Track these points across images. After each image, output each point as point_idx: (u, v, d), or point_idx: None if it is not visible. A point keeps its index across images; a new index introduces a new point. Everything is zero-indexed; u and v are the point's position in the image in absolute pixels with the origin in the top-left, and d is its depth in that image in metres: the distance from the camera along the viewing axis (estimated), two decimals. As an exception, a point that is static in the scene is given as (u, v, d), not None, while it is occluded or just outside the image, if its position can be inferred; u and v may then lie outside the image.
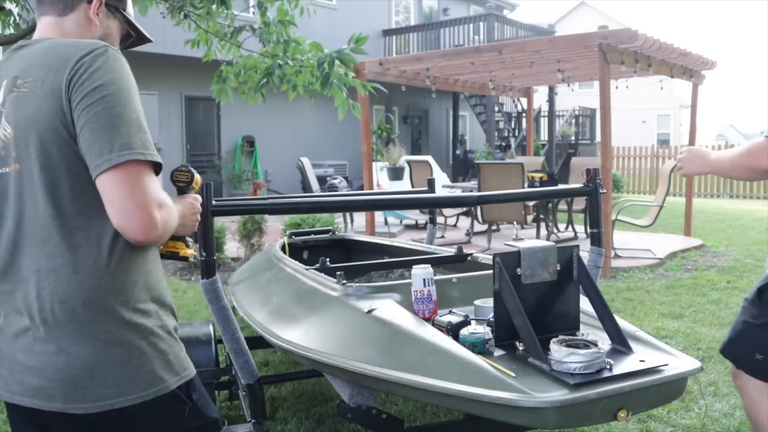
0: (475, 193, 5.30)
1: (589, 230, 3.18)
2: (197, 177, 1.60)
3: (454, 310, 1.99)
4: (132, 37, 1.60)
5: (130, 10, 1.58)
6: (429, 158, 11.03)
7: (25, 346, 1.31)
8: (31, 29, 4.52)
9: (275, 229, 7.35)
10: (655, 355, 1.73)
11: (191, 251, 1.61)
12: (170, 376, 1.37)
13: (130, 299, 1.33)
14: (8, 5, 4.84)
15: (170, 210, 1.34)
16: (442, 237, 8.87)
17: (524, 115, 16.59)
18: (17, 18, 5.05)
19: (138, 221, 1.24)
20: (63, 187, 1.28)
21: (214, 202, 2.18)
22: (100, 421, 1.32)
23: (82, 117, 1.25)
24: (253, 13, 4.59)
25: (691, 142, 9.10)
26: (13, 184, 1.32)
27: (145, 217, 1.24)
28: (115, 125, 1.25)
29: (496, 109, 17.32)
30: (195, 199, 1.56)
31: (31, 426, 1.38)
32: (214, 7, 4.62)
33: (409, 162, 9.79)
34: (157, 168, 1.33)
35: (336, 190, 9.48)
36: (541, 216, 8.37)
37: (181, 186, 1.57)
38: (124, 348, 1.31)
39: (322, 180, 11.64)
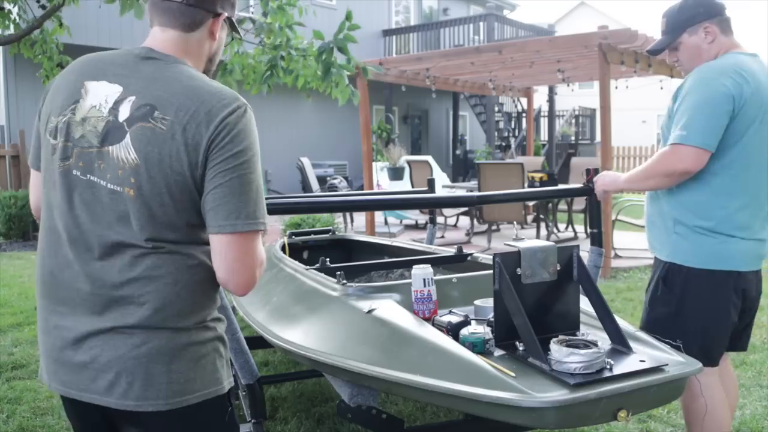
0: (475, 193, 5.30)
1: (589, 230, 3.19)
2: None
3: (454, 310, 1.99)
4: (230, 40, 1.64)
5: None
6: (429, 158, 11.02)
7: (104, 342, 1.36)
8: (31, 29, 4.52)
9: (275, 229, 7.35)
10: (655, 355, 1.73)
11: None
12: (225, 379, 1.46)
13: (206, 312, 1.43)
14: (6, 6, 4.84)
15: (265, 263, 1.45)
16: (442, 237, 8.87)
17: (524, 115, 16.62)
18: (17, 18, 5.05)
19: (243, 279, 1.36)
20: (167, 224, 1.35)
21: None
22: (163, 417, 1.37)
23: (217, 178, 1.31)
24: (252, 12, 4.58)
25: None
26: (117, 202, 1.34)
27: (249, 277, 1.37)
28: (246, 192, 1.33)
29: (496, 109, 17.33)
30: None
31: (95, 425, 1.45)
32: None
33: (409, 162, 9.79)
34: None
35: (336, 190, 9.48)
36: (541, 216, 8.38)
37: None
38: (195, 348, 1.39)
39: (322, 180, 11.64)
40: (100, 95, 1.36)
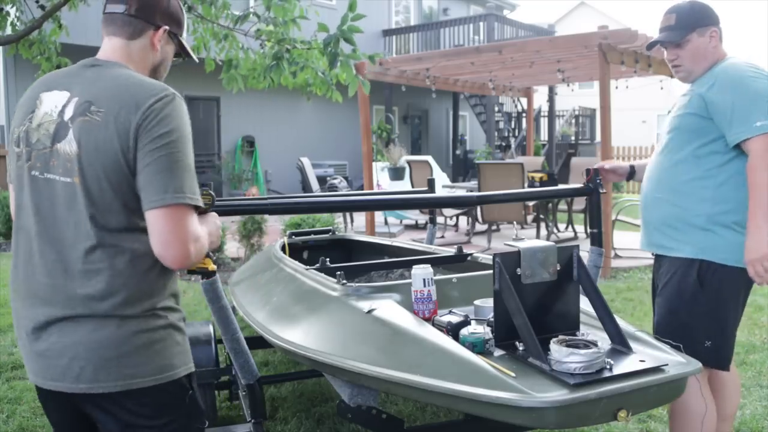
0: (475, 193, 5.30)
1: (589, 230, 3.18)
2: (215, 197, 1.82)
3: (454, 310, 1.99)
4: (179, 58, 1.77)
5: (185, 34, 1.75)
6: (429, 158, 11.02)
7: (57, 333, 1.49)
8: (30, 30, 4.52)
9: (275, 229, 7.35)
10: (655, 355, 1.73)
11: (214, 265, 1.83)
12: (180, 365, 1.56)
13: (158, 299, 1.54)
14: (4, 7, 4.84)
15: (203, 241, 1.54)
16: (442, 237, 8.87)
17: (524, 115, 16.61)
18: (15, 20, 5.05)
19: (176, 252, 1.46)
20: (109, 208, 1.48)
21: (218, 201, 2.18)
22: (119, 399, 1.50)
23: (146, 158, 1.44)
24: (253, 13, 4.58)
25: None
26: (68, 193, 1.49)
27: (182, 250, 1.46)
28: (173, 169, 1.45)
29: (496, 109, 17.32)
30: (215, 217, 1.76)
31: (63, 407, 1.58)
32: (213, 9, 4.62)
33: (409, 162, 9.79)
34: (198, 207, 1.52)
35: (336, 190, 9.48)
36: (541, 216, 8.37)
37: (205, 207, 1.73)
38: (147, 335, 1.50)
39: (322, 180, 11.63)
40: (51, 102, 1.53)
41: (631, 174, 2.70)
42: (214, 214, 1.75)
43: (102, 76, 1.54)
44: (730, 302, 2.26)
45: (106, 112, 1.46)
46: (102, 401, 1.50)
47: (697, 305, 2.25)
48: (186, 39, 1.75)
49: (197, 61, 1.81)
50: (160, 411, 1.54)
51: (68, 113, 1.49)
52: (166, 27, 1.64)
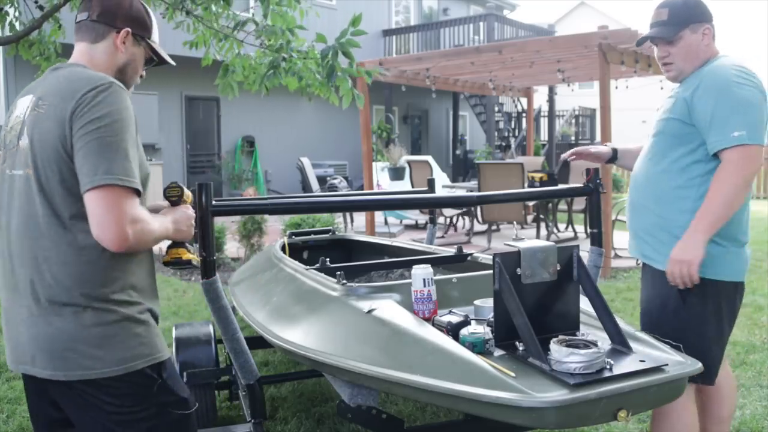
0: (475, 193, 5.29)
1: (589, 230, 3.18)
2: (187, 192, 1.86)
3: (454, 310, 1.99)
4: (155, 60, 1.85)
5: (155, 38, 1.82)
6: (429, 158, 11.02)
7: (25, 321, 1.59)
8: (30, 30, 4.52)
9: (275, 229, 7.35)
10: (655, 355, 1.73)
11: (193, 255, 1.86)
12: (141, 357, 1.61)
13: (111, 291, 1.59)
14: (4, 8, 4.84)
15: (147, 225, 1.58)
16: (442, 237, 8.87)
17: (524, 115, 16.62)
18: (14, 20, 5.05)
19: (112, 234, 1.50)
20: (56, 195, 1.56)
21: (214, 202, 2.18)
22: (80, 388, 1.57)
23: (79, 142, 1.51)
24: (253, 14, 4.58)
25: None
26: (25, 185, 1.59)
27: (118, 231, 1.50)
28: (103, 152, 1.51)
29: (496, 109, 17.32)
30: (187, 208, 1.83)
31: (36, 393, 1.69)
32: (213, 7, 4.62)
33: (409, 162, 9.79)
34: (138, 191, 1.56)
35: (336, 190, 9.48)
36: (541, 216, 8.37)
37: (173, 200, 1.83)
38: (102, 328, 1.57)
39: (322, 180, 11.63)
40: (22, 106, 1.65)
41: (614, 158, 2.66)
42: (185, 205, 1.83)
43: (57, 76, 1.65)
44: (713, 317, 2.19)
45: (49, 105, 1.57)
46: (65, 389, 1.59)
47: (680, 320, 2.20)
48: (156, 42, 1.82)
49: (173, 63, 1.88)
50: (125, 401, 1.60)
51: (27, 113, 1.62)
52: (128, 29, 1.73)
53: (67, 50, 5.35)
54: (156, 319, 1.73)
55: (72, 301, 1.55)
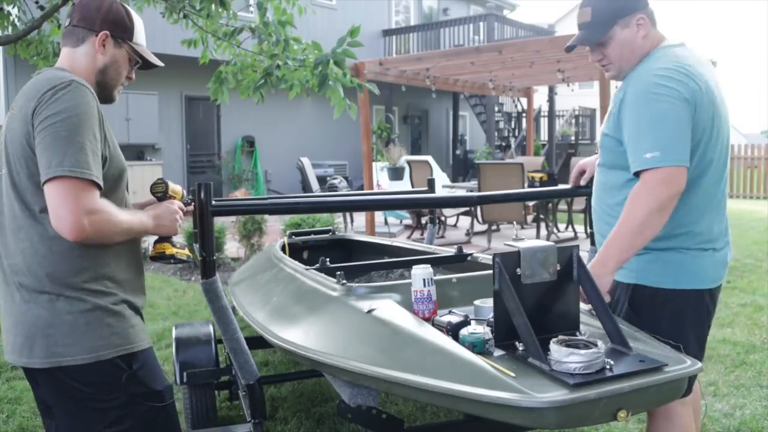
0: (475, 193, 5.29)
1: (589, 230, 3.18)
2: (174, 187, 1.92)
3: (453, 310, 1.99)
4: (140, 62, 1.88)
5: (139, 40, 1.86)
6: (429, 158, 11.02)
7: (9, 311, 1.70)
8: (30, 29, 4.53)
9: (275, 229, 7.35)
10: (655, 355, 1.73)
11: (177, 249, 1.92)
12: (110, 347, 1.67)
13: (82, 280, 1.66)
14: (5, 7, 4.84)
15: (108, 217, 1.63)
16: (442, 237, 8.87)
17: (524, 115, 16.61)
18: (15, 19, 5.05)
19: (67, 224, 1.56)
20: (27, 190, 1.64)
21: (214, 202, 2.18)
22: (56, 375, 1.65)
23: (37, 137, 1.59)
24: (253, 13, 4.58)
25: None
26: (4, 183, 1.69)
27: (73, 221, 1.56)
28: (58, 146, 1.57)
29: (496, 109, 17.32)
30: (171, 203, 1.89)
31: (31, 380, 1.78)
32: (213, 7, 4.62)
33: (409, 162, 9.79)
34: (96, 184, 1.61)
35: (336, 190, 9.48)
36: (541, 216, 8.37)
37: (158, 196, 1.89)
38: (73, 317, 1.64)
39: (322, 180, 11.63)
40: (11, 109, 1.73)
41: None
42: (170, 201, 1.89)
43: (32, 79, 1.72)
44: (670, 326, 2.04)
45: (18, 106, 1.66)
46: (45, 375, 1.67)
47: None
48: (140, 44, 1.87)
49: (161, 64, 1.91)
50: (95, 389, 1.67)
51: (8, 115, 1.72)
52: (107, 32, 1.78)
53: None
54: (136, 310, 1.78)
55: (45, 290, 1.63)
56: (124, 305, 1.73)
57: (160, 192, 1.89)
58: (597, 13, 2.04)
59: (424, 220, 8.43)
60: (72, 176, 1.55)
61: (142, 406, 1.71)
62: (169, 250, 1.89)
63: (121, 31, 1.81)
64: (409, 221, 10.10)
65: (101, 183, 1.62)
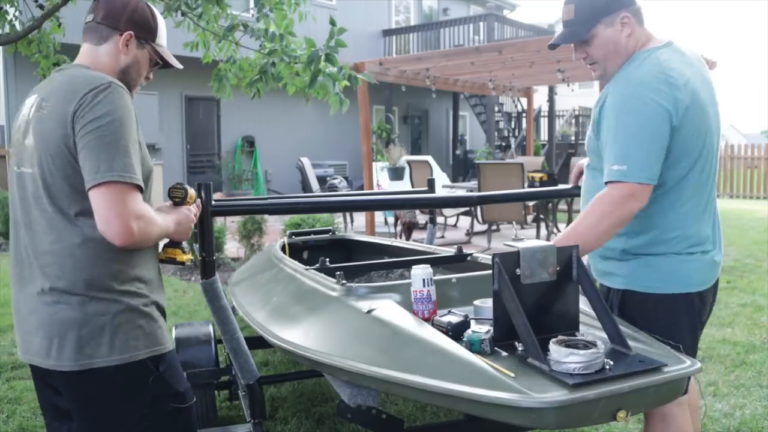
0: (475, 193, 5.29)
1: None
2: (191, 192, 1.89)
3: (453, 310, 1.99)
4: (160, 63, 1.87)
5: (161, 41, 1.85)
6: (429, 158, 11.03)
7: (34, 312, 1.66)
8: (31, 29, 4.53)
9: (275, 229, 7.35)
10: (654, 355, 1.73)
11: (188, 257, 1.91)
12: (142, 348, 1.67)
13: (117, 282, 1.65)
14: (4, 6, 4.84)
15: (150, 221, 1.63)
16: (442, 237, 8.87)
17: (524, 115, 16.61)
18: (14, 19, 5.06)
19: (116, 229, 1.55)
20: (61, 192, 1.62)
21: (214, 202, 2.18)
22: (81, 376, 1.63)
23: (80, 142, 1.57)
24: (253, 15, 4.59)
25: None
26: (32, 182, 1.66)
27: (122, 226, 1.55)
28: (104, 151, 1.56)
29: (496, 109, 17.32)
30: (189, 210, 1.88)
31: (43, 382, 1.76)
32: (210, 6, 4.64)
33: (409, 162, 9.79)
34: (140, 187, 1.61)
35: (336, 190, 9.48)
36: (541, 216, 8.37)
37: (176, 201, 1.86)
38: (106, 318, 1.63)
39: (322, 180, 11.63)
40: (28, 105, 1.71)
41: None
42: (187, 207, 1.88)
43: (59, 77, 1.70)
44: (664, 331, 1.98)
45: (51, 106, 1.62)
46: (63, 378, 1.65)
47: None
48: (162, 46, 1.85)
49: (181, 67, 1.90)
50: (124, 390, 1.66)
51: (31, 112, 1.68)
52: (132, 32, 1.76)
53: (69, 50, 5.38)
54: (162, 311, 1.78)
55: (78, 292, 1.62)
56: (153, 306, 1.73)
57: (179, 197, 1.87)
58: (580, 11, 2.01)
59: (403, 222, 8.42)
60: (121, 181, 1.55)
61: (165, 407, 1.71)
62: (180, 257, 1.88)
63: (146, 32, 1.80)
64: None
65: (143, 186, 1.63)
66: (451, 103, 18.88)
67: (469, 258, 2.91)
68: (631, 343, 1.78)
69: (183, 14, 4.72)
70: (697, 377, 2.14)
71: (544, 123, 19.17)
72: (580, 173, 2.55)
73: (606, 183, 1.94)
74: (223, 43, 4.79)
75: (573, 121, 19.99)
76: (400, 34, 17.30)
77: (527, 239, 2.00)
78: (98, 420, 1.68)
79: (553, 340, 1.65)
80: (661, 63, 1.94)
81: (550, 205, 8.52)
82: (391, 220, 10.06)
